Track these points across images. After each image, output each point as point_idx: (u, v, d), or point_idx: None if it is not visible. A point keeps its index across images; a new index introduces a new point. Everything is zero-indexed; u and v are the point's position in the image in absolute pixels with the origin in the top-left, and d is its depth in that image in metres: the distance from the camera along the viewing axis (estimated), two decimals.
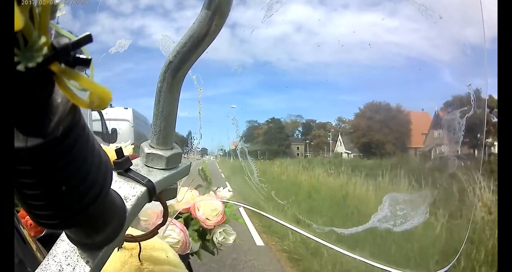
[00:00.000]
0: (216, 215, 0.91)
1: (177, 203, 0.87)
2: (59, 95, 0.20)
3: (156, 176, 0.38)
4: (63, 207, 0.22)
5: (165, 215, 0.44)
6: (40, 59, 0.17)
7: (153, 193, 0.36)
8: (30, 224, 0.60)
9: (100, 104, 0.19)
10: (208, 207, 0.91)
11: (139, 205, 0.35)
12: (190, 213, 0.92)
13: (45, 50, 0.17)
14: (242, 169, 0.88)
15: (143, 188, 0.35)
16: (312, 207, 5.73)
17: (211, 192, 0.98)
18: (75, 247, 0.30)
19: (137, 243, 0.49)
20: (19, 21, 0.16)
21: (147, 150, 0.39)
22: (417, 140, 15.81)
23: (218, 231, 0.92)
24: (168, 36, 0.54)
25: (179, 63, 0.36)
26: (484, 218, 3.75)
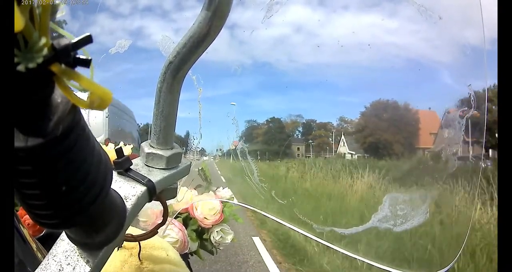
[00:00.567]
0: (214, 214, 0.92)
1: (177, 203, 0.87)
2: (59, 95, 0.20)
3: (156, 175, 0.38)
4: (63, 207, 0.22)
5: (165, 214, 0.44)
6: (40, 60, 0.17)
7: (153, 192, 0.36)
8: (28, 224, 0.60)
9: (100, 104, 0.19)
10: (206, 206, 0.92)
11: (139, 204, 0.35)
12: (189, 213, 0.92)
13: (45, 51, 0.17)
14: (243, 170, 0.88)
15: (143, 188, 0.35)
16: (315, 208, 5.71)
17: (210, 192, 0.98)
18: (75, 246, 0.30)
19: (137, 242, 0.49)
20: (19, 22, 0.16)
21: (147, 149, 0.39)
22: (426, 140, 15.04)
23: (216, 230, 0.93)
24: (168, 36, 0.54)
25: (179, 63, 0.36)
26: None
